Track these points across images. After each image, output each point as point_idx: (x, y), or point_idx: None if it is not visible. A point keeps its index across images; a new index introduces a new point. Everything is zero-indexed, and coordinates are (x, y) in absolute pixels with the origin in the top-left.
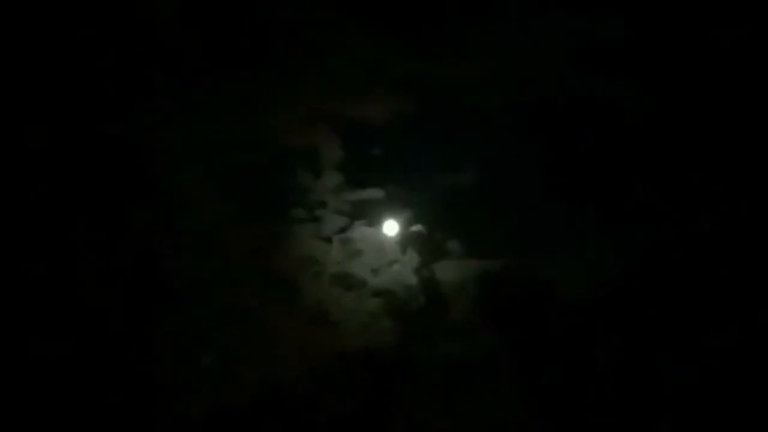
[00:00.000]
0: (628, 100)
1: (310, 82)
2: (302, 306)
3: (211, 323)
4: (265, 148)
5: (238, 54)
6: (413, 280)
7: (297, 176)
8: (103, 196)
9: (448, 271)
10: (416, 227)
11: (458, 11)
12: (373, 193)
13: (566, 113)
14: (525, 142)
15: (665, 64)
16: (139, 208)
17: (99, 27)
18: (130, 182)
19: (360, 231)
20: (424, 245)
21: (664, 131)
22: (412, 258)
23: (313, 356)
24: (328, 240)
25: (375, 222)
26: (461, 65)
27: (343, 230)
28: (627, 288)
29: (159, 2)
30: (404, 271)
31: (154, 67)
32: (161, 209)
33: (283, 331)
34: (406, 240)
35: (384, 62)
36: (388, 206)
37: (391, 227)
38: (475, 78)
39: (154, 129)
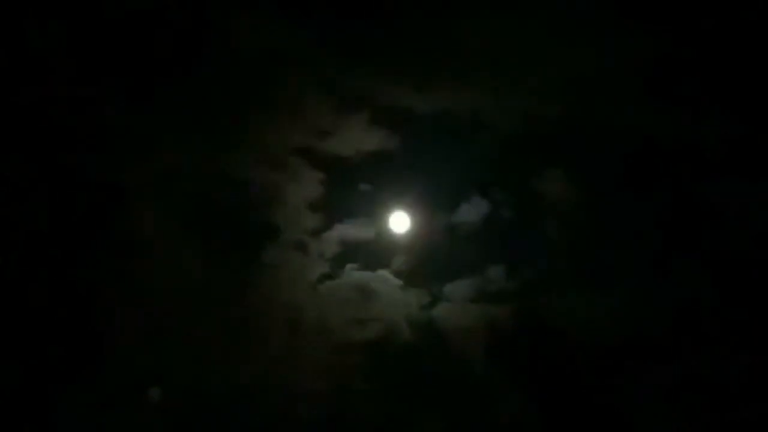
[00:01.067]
0: None
1: (285, 113)
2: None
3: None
4: (234, 184)
5: (205, 82)
6: (405, 331)
7: (272, 214)
8: (56, 237)
9: (447, 318)
10: (409, 269)
11: None
12: (361, 232)
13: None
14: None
15: None
16: (91, 251)
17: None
18: (84, 223)
19: (346, 274)
20: (418, 290)
21: None
22: (406, 305)
23: None
24: (310, 285)
25: (362, 264)
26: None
27: (326, 276)
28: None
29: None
30: (394, 322)
31: (115, 96)
32: (117, 249)
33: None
34: (398, 285)
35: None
36: (378, 246)
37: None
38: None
39: (112, 162)
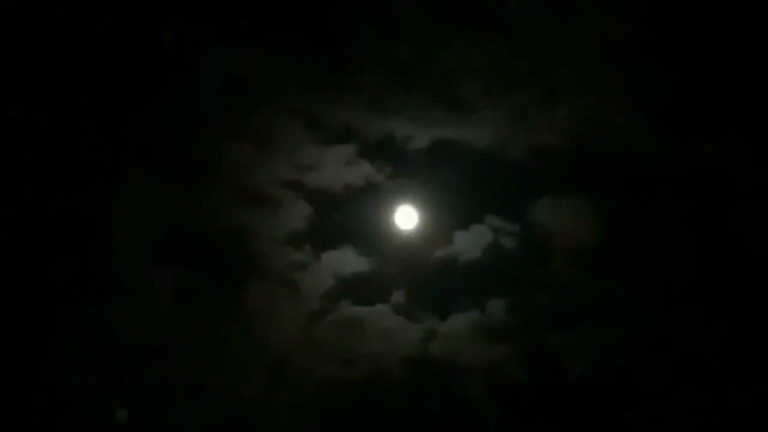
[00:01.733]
0: None
1: (266, 146)
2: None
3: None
4: (212, 217)
5: (182, 114)
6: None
7: (254, 248)
8: (21, 274)
9: (447, 355)
10: (407, 303)
11: None
12: (352, 264)
13: None
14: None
15: None
16: (59, 287)
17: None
18: (51, 257)
19: (342, 310)
20: (416, 325)
21: None
22: (402, 342)
23: None
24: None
25: (357, 299)
26: None
27: (318, 311)
28: None
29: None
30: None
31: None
32: (85, 286)
33: None
34: (395, 321)
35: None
36: (373, 280)
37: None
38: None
39: (82, 193)
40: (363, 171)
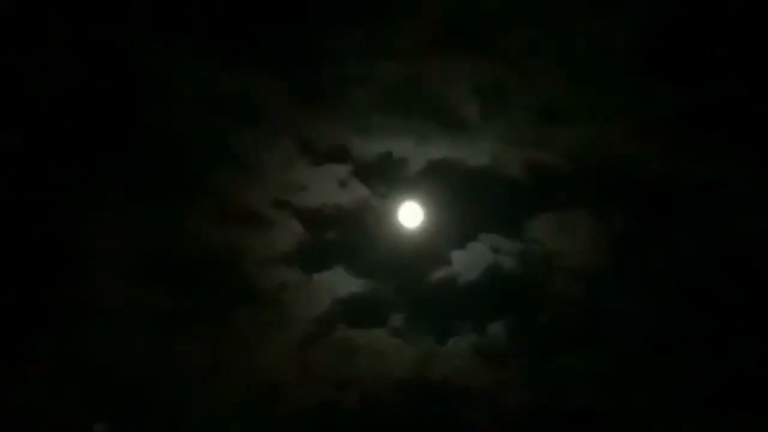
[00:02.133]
0: None
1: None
2: None
3: None
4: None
5: (166, 134)
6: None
7: (243, 270)
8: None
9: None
10: (401, 326)
11: None
12: (347, 285)
13: None
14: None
15: None
16: (38, 313)
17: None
18: (31, 282)
19: (336, 333)
20: (413, 349)
21: None
22: (400, 363)
23: None
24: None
25: (352, 322)
26: None
27: (312, 334)
28: None
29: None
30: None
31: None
32: (66, 312)
33: None
34: (390, 343)
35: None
36: (369, 302)
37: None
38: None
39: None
40: (357, 191)
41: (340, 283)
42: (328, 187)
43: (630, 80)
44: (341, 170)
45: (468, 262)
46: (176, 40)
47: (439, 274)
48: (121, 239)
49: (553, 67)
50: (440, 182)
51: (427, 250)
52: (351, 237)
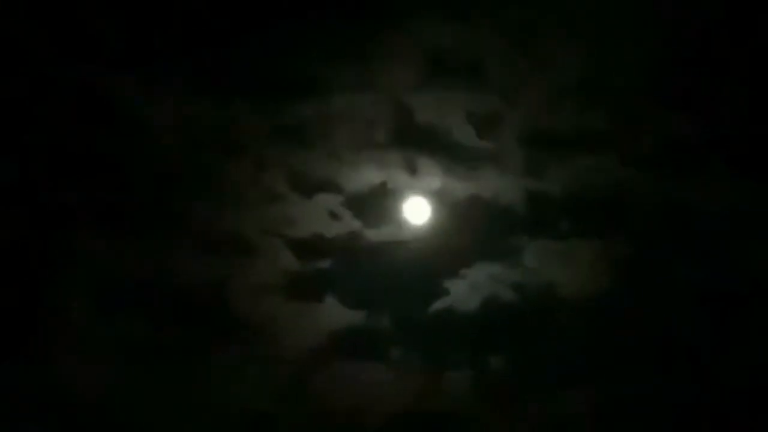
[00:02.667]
0: None
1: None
2: None
3: None
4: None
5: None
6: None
7: (234, 301)
8: None
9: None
10: (397, 359)
11: None
12: (341, 318)
13: None
14: None
15: None
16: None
17: None
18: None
19: (330, 367)
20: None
21: None
22: (397, 398)
23: None
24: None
25: (346, 355)
26: None
27: (305, 368)
28: None
29: None
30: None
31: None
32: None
33: None
34: (387, 377)
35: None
36: (363, 335)
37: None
38: None
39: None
40: (349, 222)
41: (334, 314)
42: (319, 218)
43: (630, 107)
44: (332, 201)
45: (466, 291)
46: (156, 72)
47: (437, 304)
48: (101, 272)
49: (548, 95)
50: (436, 212)
51: (423, 281)
52: (344, 268)
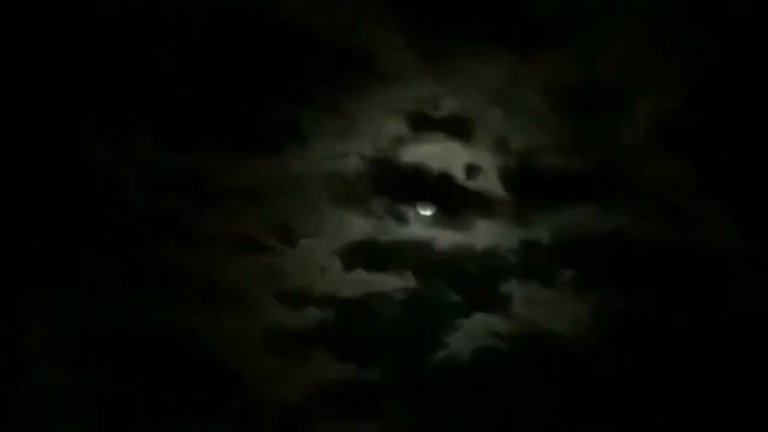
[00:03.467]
0: None
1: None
2: None
3: None
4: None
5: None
6: None
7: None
8: None
9: None
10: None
11: None
12: (333, 372)
13: None
14: None
15: None
16: None
17: None
18: None
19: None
20: None
21: None
22: None
23: None
24: None
25: (338, 412)
26: None
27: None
28: None
29: None
30: None
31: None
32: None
33: None
34: None
35: None
36: (357, 391)
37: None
38: None
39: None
40: (337, 272)
41: (322, 368)
42: (305, 269)
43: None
44: (318, 251)
45: (460, 342)
46: (123, 121)
47: (430, 356)
48: (68, 323)
49: (534, 143)
50: (428, 262)
51: (416, 332)
52: (332, 319)
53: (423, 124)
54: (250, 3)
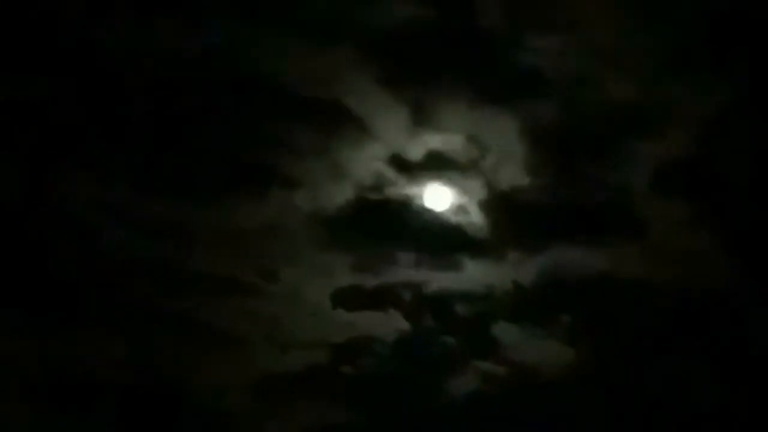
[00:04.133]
0: None
1: None
2: None
3: None
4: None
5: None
6: None
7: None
8: None
9: None
10: None
11: None
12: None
13: None
14: None
15: None
16: None
17: None
18: None
19: None
20: None
21: None
22: None
23: None
24: None
25: None
26: None
27: None
28: None
29: None
30: None
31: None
32: None
33: None
34: None
35: None
36: None
37: None
38: None
39: None
40: (328, 319)
41: (315, 414)
42: (295, 312)
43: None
44: (309, 296)
45: (451, 385)
46: (102, 167)
47: (425, 402)
48: (46, 370)
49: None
50: (418, 304)
51: (412, 378)
52: (325, 365)
53: (406, 167)
54: (230, 57)
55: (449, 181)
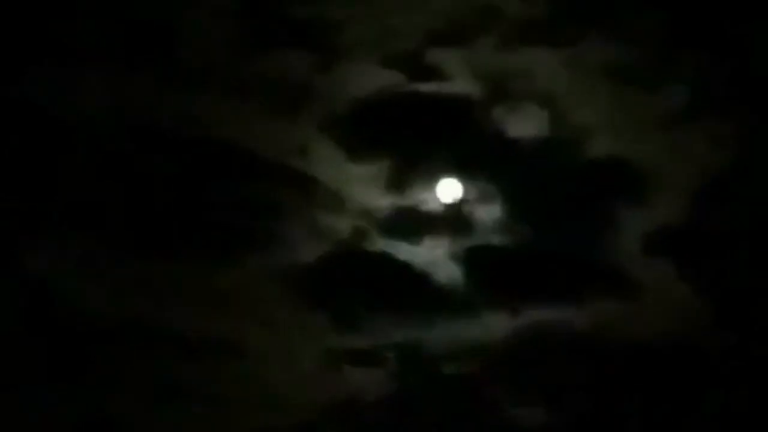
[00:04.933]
0: None
1: None
2: None
3: None
4: None
5: None
6: None
7: None
8: None
9: None
10: None
11: None
12: None
13: None
14: None
15: None
16: None
17: None
18: None
19: None
20: None
21: None
22: None
23: None
24: None
25: None
26: None
27: None
28: None
29: None
30: None
31: None
32: None
33: None
34: None
35: None
36: None
37: None
38: None
39: None
40: (321, 379)
41: None
42: (282, 373)
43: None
44: (296, 354)
45: None
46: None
47: None
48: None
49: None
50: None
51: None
52: (307, 426)
53: (382, 224)
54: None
55: (426, 238)
